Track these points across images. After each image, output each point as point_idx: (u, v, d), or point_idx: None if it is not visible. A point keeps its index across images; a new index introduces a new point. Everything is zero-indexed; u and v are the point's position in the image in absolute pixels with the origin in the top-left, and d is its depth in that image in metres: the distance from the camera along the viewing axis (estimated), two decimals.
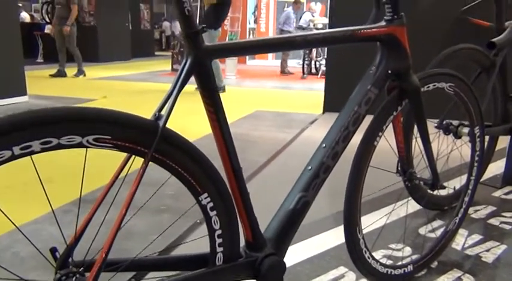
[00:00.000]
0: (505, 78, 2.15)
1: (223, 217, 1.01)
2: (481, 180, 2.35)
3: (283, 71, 9.92)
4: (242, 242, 1.10)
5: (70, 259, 0.88)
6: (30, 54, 8.84)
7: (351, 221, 1.30)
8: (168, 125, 0.89)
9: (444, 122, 2.02)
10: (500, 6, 2.07)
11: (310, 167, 1.18)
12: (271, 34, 14.37)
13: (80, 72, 8.49)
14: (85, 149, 0.79)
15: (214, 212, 0.99)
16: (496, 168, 2.54)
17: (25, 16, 9.48)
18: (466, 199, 1.69)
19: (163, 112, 0.90)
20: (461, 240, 1.79)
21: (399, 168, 1.53)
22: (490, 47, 1.14)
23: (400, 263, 1.54)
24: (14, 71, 5.44)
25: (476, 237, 1.82)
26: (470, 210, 2.05)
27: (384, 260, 1.62)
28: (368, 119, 1.26)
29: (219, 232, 1.00)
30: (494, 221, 1.97)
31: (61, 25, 8.01)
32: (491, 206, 2.11)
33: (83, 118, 0.78)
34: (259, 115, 5.13)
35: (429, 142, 1.42)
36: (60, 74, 8.28)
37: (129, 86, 7.55)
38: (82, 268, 0.88)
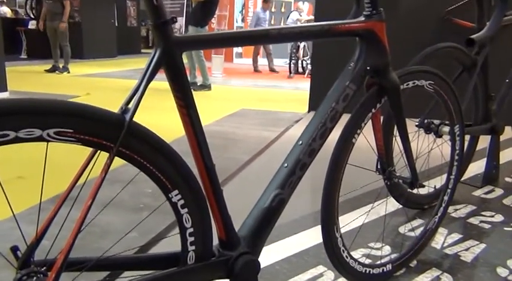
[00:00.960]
0: (486, 77, 2.15)
1: (195, 214, 0.98)
2: (462, 179, 2.35)
3: (256, 69, 9.82)
4: (216, 241, 1.07)
5: (32, 259, 0.85)
6: (14, 50, 8.68)
7: (328, 220, 1.28)
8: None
9: (425, 121, 2.01)
10: (482, 8, 2.08)
11: (286, 165, 1.16)
12: None
13: (65, 68, 8.39)
14: (59, 143, 0.76)
15: (186, 210, 0.96)
16: (477, 167, 2.55)
17: (6, 11, 9.28)
18: (446, 197, 1.68)
19: (131, 106, 0.86)
20: (440, 239, 1.79)
21: (378, 166, 1.51)
22: (469, 44, 1.14)
23: (379, 262, 1.53)
24: None
25: (456, 236, 1.82)
26: (450, 209, 2.05)
27: (362, 259, 1.60)
28: (346, 117, 1.24)
29: (190, 230, 0.97)
30: (473, 220, 1.97)
31: (53, 21, 7.92)
32: (471, 205, 2.11)
33: (43, 110, 0.74)
34: (244, 113, 5.10)
35: (408, 141, 1.40)
36: (56, 69, 8.22)
37: (114, 83, 7.46)
38: (44, 268, 0.84)
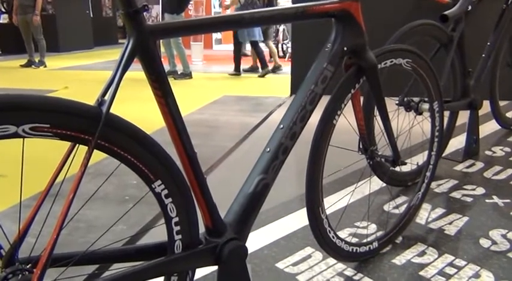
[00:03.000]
0: (463, 53, 2.17)
1: (179, 203, 0.98)
2: (443, 155, 2.39)
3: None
4: (202, 229, 1.07)
5: (16, 257, 0.84)
6: None
7: (313, 202, 1.29)
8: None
9: (405, 99, 2.03)
10: None
11: (268, 149, 1.16)
12: None
13: (41, 62, 8.21)
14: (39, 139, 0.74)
15: (170, 200, 0.96)
16: (457, 142, 2.59)
17: None
18: (428, 173, 1.71)
19: (107, 97, 0.85)
20: (424, 214, 1.82)
21: (360, 146, 1.53)
22: (442, 19, 1.14)
23: (365, 240, 1.55)
24: None
25: (439, 211, 1.85)
26: (433, 184, 2.08)
27: (349, 239, 1.63)
28: (327, 98, 1.24)
29: (176, 219, 0.97)
30: (456, 194, 2.00)
31: (25, 14, 7.73)
32: (453, 180, 2.15)
33: (16, 106, 0.72)
34: (226, 100, 5.08)
35: (388, 120, 1.42)
36: (32, 63, 8.03)
37: (92, 75, 7.34)
38: (29, 265, 0.84)
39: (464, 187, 2.07)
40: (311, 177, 1.27)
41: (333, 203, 1.82)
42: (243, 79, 7.03)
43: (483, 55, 2.40)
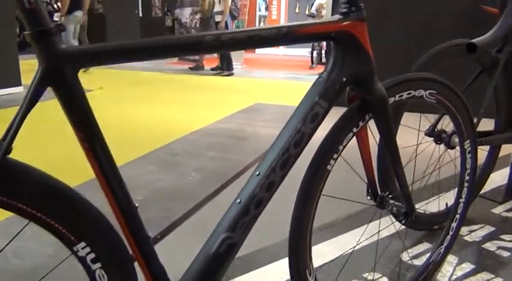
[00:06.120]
0: (511, 77, 1.85)
1: (111, 269, 0.78)
2: (481, 192, 2.07)
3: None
4: None
5: None
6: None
7: (297, 264, 1.06)
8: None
9: (436, 130, 1.75)
10: None
11: (239, 200, 0.94)
12: (283, 21, 13.99)
13: None
14: None
15: (98, 265, 0.77)
16: (500, 178, 2.25)
17: None
18: (454, 225, 1.43)
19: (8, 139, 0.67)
20: (448, 270, 1.54)
21: (369, 191, 1.28)
22: (469, 49, 0.89)
23: None
24: (9, 61, 5.30)
25: (467, 267, 1.56)
26: (464, 230, 1.79)
27: None
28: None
29: None
30: (490, 245, 1.70)
31: None
32: (489, 226, 1.83)
33: None
34: (258, 108, 4.88)
35: (400, 164, 1.16)
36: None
37: (131, 76, 7.37)
38: None
39: (502, 236, 1.76)
40: (296, 234, 1.04)
41: (339, 246, 1.57)
42: (280, 86, 6.81)
43: None
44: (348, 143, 1.06)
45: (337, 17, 0.97)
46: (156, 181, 2.72)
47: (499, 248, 1.68)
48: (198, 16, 8.37)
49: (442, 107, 1.28)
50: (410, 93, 1.16)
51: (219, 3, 7.69)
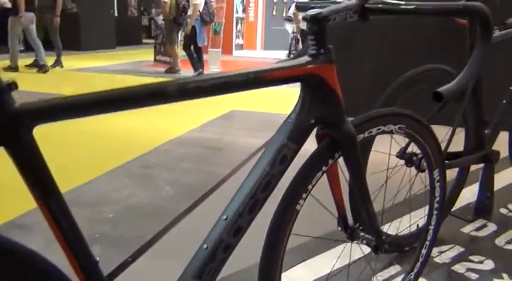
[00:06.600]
0: (479, 102, 1.88)
1: None
2: (452, 210, 2.10)
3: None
4: None
5: None
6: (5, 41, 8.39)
7: None
8: None
9: (407, 152, 1.76)
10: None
11: (206, 246, 0.93)
12: (261, 24, 13.99)
13: (58, 62, 8.15)
14: None
15: None
16: (470, 194, 2.28)
17: (3, 1, 9.03)
18: (424, 251, 1.45)
19: None
20: None
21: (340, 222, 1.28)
22: (436, 98, 0.90)
23: None
24: None
25: None
26: (435, 251, 1.81)
27: None
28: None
29: None
30: (459, 267, 1.72)
31: (44, 14, 7.70)
32: (459, 247, 1.86)
33: None
34: (234, 116, 4.86)
35: (369, 199, 1.16)
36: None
37: (107, 80, 7.21)
38: None
39: (471, 257, 1.79)
40: (264, 276, 1.03)
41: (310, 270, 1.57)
42: (258, 91, 6.79)
43: (504, 101, 2.11)
44: (317, 181, 1.06)
45: (305, 59, 0.97)
46: (128, 196, 2.67)
47: (468, 270, 1.71)
48: (161, 17, 8.28)
49: (411, 140, 1.29)
50: (379, 129, 1.17)
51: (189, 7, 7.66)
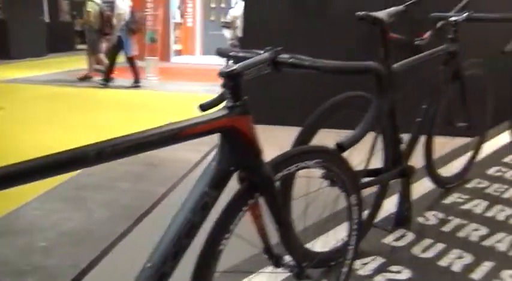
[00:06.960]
0: (394, 120, 2.04)
1: None
2: (374, 221, 2.26)
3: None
4: None
5: None
6: None
7: None
8: None
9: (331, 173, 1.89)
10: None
11: None
12: (199, 29, 13.97)
13: None
14: None
15: None
16: (391, 205, 2.44)
17: None
18: (345, 269, 1.57)
19: None
20: None
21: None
22: (339, 148, 1.01)
23: None
24: None
25: None
26: (358, 263, 1.94)
27: None
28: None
29: None
30: (380, 278, 1.87)
31: None
32: (380, 258, 2.01)
33: None
34: None
35: (292, 230, 1.26)
36: None
37: (37, 91, 6.93)
38: None
39: (390, 268, 1.94)
40: None
41: None
42: (199, 100, 6.80)
43: (418, 119, 2.30)
44: (239, 221, 1.13)
45: (221, 112, 1.04)
46: (62, 221, 2.64)
47: (388, 280, 1.86)
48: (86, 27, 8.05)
49: (328, 172, 1.40)
50: (297, 166, 1.27)
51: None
